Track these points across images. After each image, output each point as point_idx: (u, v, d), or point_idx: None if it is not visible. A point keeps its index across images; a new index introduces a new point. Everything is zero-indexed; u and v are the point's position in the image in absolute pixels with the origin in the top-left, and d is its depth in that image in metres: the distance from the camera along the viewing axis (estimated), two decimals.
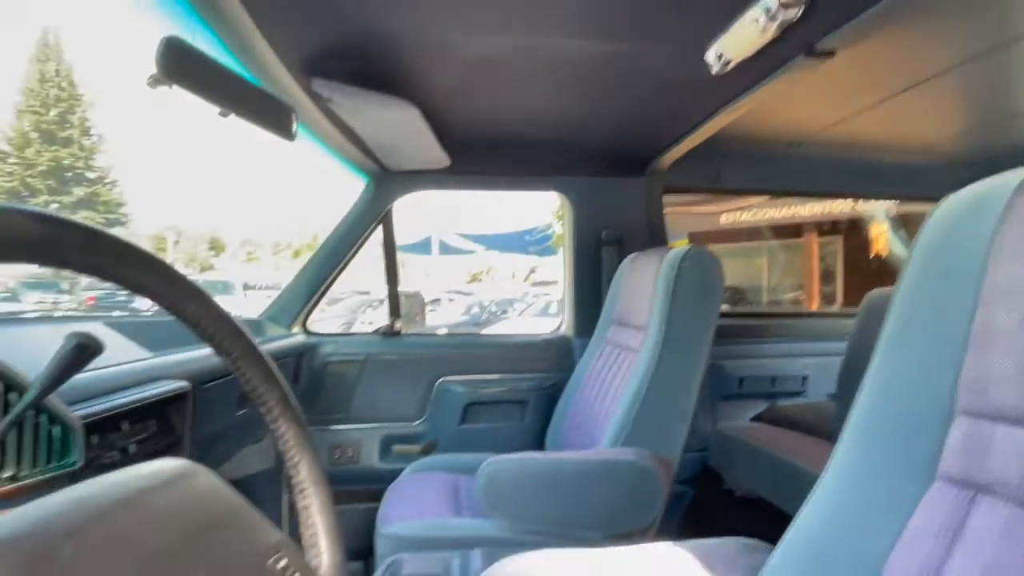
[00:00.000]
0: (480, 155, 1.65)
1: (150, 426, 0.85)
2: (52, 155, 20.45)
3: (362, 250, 1.76)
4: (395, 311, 1.80)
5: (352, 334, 1.86)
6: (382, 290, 1.83)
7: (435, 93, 1.24)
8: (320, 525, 0.37)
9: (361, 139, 1.43)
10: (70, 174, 20.97)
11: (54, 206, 19.41)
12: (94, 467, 0.70)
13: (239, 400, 1.22)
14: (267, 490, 1.58)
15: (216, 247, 27.37)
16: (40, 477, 0.58)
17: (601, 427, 1.29)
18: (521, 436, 1.73)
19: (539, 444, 1.67)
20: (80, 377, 0.77)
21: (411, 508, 1.20)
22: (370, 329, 1.85)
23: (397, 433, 1.70)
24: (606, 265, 1.76)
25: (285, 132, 1.04)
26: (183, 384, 0.92)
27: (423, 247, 11.67)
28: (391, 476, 1.46)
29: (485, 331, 5.97)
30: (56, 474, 0.60)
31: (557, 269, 3.03)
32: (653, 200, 1.83)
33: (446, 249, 11.89)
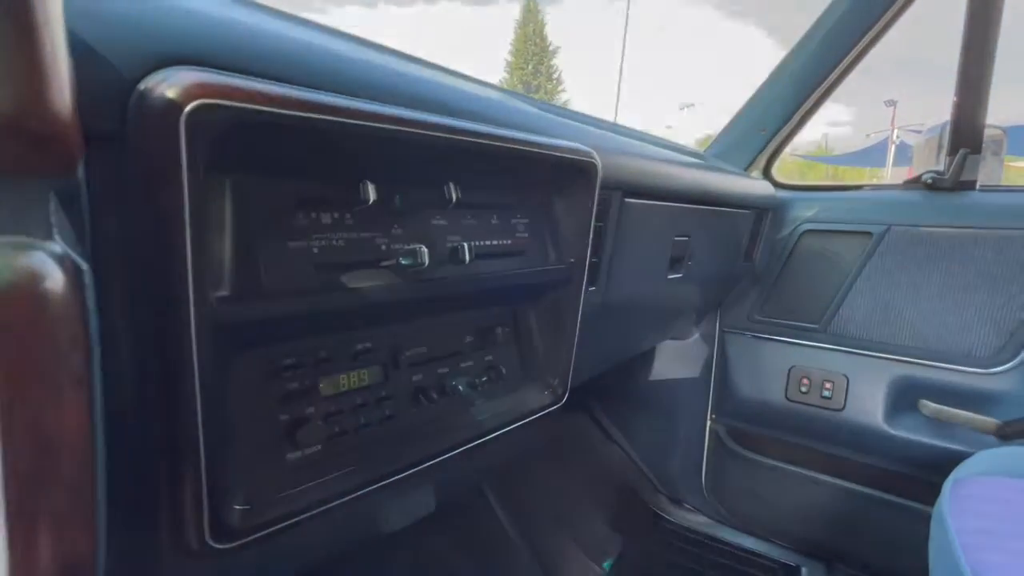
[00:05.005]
0: None
1: None
2: None
3: None
4: (965, 141, 0.95)
5: (856, 186, 1.10)
6: None
7: None
8: None
9: None
10: None
11: None
12: None
13: None
14: None
15: None
16: None
17: None
18: None
19: None
20: None
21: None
22: (897, 180, 1.07)
23: (934, 379, 0.93)
24: None
25: None
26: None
27: None
28: (910, 454, 0.92)
29: None
30: None
31: None
32: None
33: None
